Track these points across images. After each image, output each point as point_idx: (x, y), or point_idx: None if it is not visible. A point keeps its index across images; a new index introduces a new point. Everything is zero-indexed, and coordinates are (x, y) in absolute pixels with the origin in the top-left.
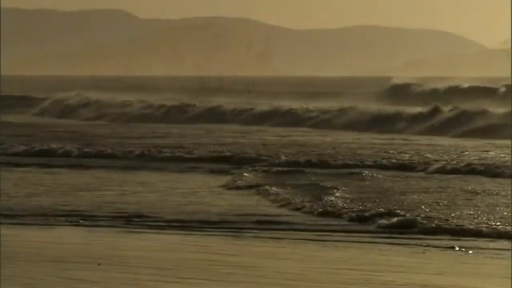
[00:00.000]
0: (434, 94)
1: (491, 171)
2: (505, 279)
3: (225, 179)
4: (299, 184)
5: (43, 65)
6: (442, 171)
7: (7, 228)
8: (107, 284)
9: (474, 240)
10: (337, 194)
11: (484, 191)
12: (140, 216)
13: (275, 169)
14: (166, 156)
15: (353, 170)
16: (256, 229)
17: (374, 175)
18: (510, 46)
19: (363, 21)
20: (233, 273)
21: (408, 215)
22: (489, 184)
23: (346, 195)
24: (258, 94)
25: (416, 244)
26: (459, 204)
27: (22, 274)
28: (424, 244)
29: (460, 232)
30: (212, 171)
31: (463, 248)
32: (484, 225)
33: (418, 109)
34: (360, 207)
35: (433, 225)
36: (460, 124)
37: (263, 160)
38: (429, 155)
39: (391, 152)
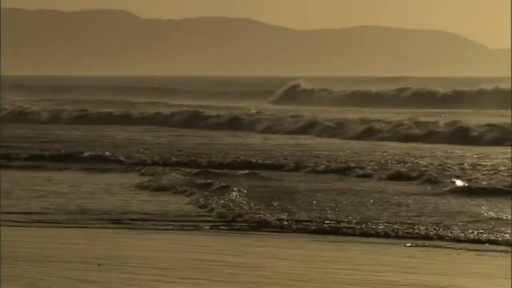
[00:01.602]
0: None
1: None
2: (505, 279)
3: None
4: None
5: (44, 65)
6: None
7: (7, 228)
8: (107, 284)
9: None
10: (237, 195)
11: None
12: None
13: (193, 170)
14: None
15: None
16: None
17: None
18: (510, 46)
19: (364, 21)
20: (233, 273)
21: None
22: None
23: (245, 196)
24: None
25: (416, 245)
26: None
27: (22, 274)
28: (420, 245)
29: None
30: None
31: (463, 248)
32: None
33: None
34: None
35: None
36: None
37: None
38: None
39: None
